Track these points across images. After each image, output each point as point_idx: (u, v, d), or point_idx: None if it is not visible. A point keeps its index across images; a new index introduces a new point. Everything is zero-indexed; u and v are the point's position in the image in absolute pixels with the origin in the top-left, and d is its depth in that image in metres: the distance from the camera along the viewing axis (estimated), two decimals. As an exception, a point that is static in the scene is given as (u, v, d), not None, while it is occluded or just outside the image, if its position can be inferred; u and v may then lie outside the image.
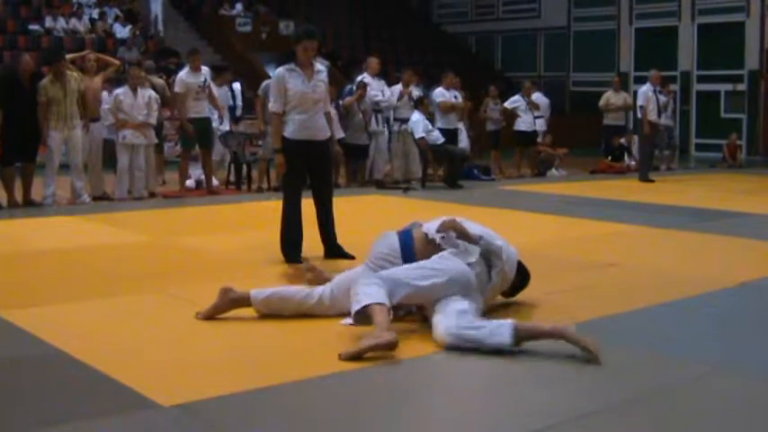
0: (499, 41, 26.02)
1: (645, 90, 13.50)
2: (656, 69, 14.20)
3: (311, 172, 6.23)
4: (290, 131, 6.08)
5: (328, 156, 6.33)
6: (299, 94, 6.02)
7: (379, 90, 12.11)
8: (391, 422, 3.25)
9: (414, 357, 3.95)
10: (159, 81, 11.76)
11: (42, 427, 3.08)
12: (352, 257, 5.93)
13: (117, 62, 11.49)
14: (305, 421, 3.19)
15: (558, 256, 6.36)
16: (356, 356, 3.80)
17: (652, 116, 13.29)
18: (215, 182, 11.23)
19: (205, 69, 10.66)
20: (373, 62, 12.40)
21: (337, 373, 3.68)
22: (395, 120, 12.28)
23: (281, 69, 6.18)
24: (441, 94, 12.67)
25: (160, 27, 20.67)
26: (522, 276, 4.75)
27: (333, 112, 6.45)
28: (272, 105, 6.20)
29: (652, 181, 13.01)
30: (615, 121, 15.20)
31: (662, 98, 15.83)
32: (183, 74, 10.53)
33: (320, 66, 6.21)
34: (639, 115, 13.42)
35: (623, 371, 3.84)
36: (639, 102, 13.38)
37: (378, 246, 4.56)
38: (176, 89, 10.49)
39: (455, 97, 12.86)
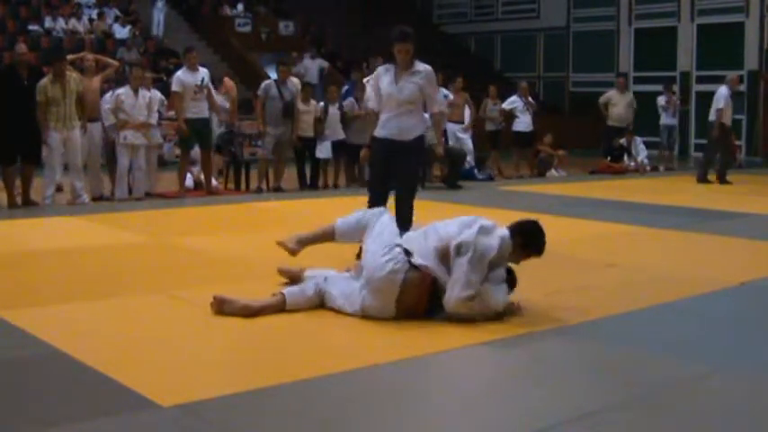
0: (499, 42, 26.02)
1: (725, 93, 13.04)
2: (734, 73, 14.01)
3: (393, 171, 6.20)
4: (377, 129, 6.20)
5: (410, 157, 6.17)
6: (386, 93, 6.08)
7: None
8: (391, 422, 3.25)
9: (414, 357, 3.95)
10: None
11: (42, 427, 3.08)
12: None
13: (116, 63, 11.48)
14: (305, 421, 3.19)
15: (558, 256, 6.35)
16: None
17: (727, 120, 12.91)
18: (214, 182, 11.23)
19: (204, 70, 10.64)
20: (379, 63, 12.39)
21: (337, 373, 3.68)
22: None
23: (379, 68, 6.29)
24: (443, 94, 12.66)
25: (160, 33, 20.62)
26: (525, 236, 4.63)
27: (442, 111, 6.36)
28: (369, 102, 6.43)
29: (730, 182, 12.76)
30: (619, 123, 15.19)
31: (663, 98, 15.92)
32: (180, 73, 10.52)
33: (421, 67, 6.11)
34: (714, 117, 12.94)
35: (623, 371, 3.85)
36: (720, 105, 12.92)
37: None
38: (174, 88, 10.47)
39: (444, 96, 12.84)
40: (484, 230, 4.51)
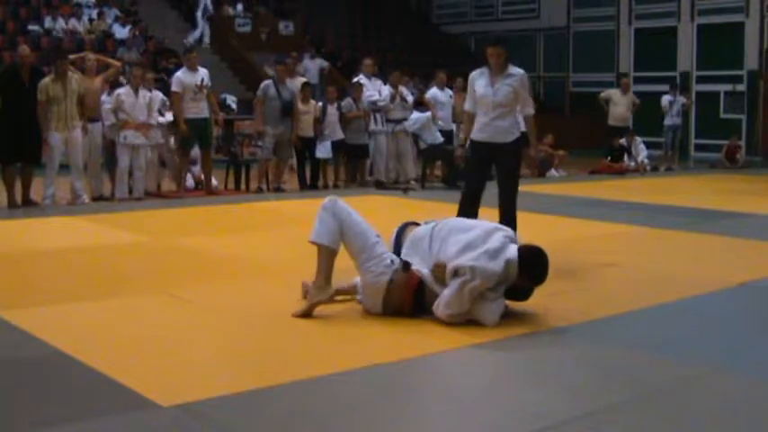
0: (498, 42, 26.01)
1: None
2: None
3: (496, 169, 6.51)
4: (473, 131, 6.39)
5: (510, 159, 6.37)
6: (480, 96, 6.27)
7: (375, 90, 12.16)
8: (391, 422, 3.25)
9: (414, 357, 3.95)
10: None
11: (42, 427, 3.08)
12: None
13: (117, 63, 11.46)
14: (305, 421, 3.19)
15: (558, 256, 6.34)
16: (304, 314, 4.54)
17: None
18: (214, 182, 11.23)
19: (203, 70, 10.63)
20: (367, 63, 12.47)
21: (337, 373, 3.68)
22: (388, 121, 12.30)
23: (474, 71, 6.45)
24: (433, 95, 12.68)
25: (207, 40, 20.73)
26: (527, 278, 4.54)
27: (531, 113, 6.51)
28: (465, 104, 6.62)
29: None
30: (621, 123, 15.20)
31: (667, 98, 15.95)
32: (180, 73, 10.53)
33: (515, 70, 6.30)
34: None
35: (623, 371, 3.85)
36: None
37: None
38: (173, 88, 10.48)
39: (450, 97, 12.87)
40: (489, 254, 4.38)
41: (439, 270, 4.49)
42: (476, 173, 6.46)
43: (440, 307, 4.44)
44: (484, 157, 6.39)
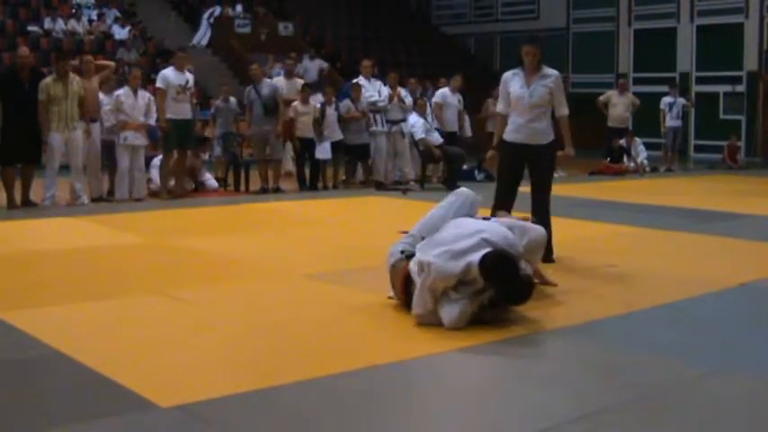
0: (498, 43, 26.01)
1: None
2: None
3: (530, 172, 6.39)
4: (506, 132, 6.29)
5: (545, 161, 6.37)
6: (516, 97, 6.18)
7: (375, 91, 12.18)
8: (392, 422, 3.24)
9: (414, 358, 3.95)
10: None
11: (42, 427, 3.08)
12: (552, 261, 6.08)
13: (111, 63, 11.39)
14: (304, 422, 3.19)
15: (558, 257, 6.37)
16: None
17: None
18: (213, 183, 11.22)
19: (190, 74, 10.56)
20: (365, 65, 12.49)
21: (337, 373, 3.68)
22: (386, 122, 12.31)
23: (507, 72, 6.37)
24: (443, 95, 12.68)
25: (203, 43, 20.73)
26: (491, 285, 4.31)
27: (566, 115, 6.46)
28: (498, 105, 6.52)
29: None
30: (619, 124, 15.22)
31: (668, 99, 15.95)
32: (167, 71, 10.48)
33: (549, 71, 6.23)
34: None
35: (623, 371, 3.84)
36: None
37: None
38: (158, 84, 10.39)
39: (459, 101, 12.86)
40: (451, 253, 4.33)
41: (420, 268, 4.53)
42: (511, 176, 6.32)
43: (412, 303, 4.45)
44: (519, 159, 6.26)
